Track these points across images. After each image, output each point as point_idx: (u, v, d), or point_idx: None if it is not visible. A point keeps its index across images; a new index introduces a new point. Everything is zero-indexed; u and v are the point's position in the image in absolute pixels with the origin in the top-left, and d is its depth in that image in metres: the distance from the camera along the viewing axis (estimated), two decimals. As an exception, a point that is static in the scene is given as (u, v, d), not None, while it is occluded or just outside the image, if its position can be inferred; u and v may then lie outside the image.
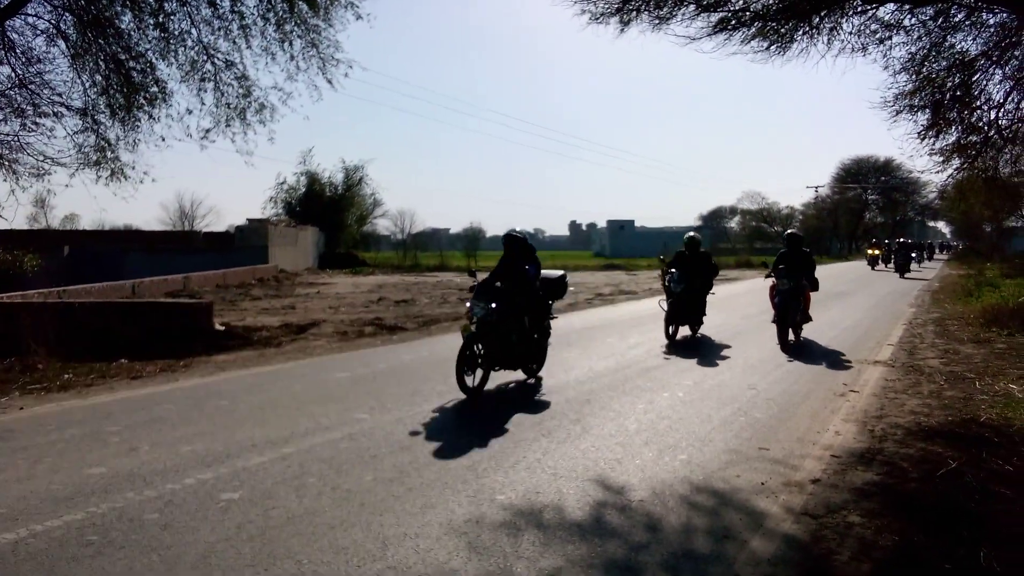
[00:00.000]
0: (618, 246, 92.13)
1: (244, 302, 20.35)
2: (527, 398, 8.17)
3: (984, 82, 10.71)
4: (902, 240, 38.34)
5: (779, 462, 5.85)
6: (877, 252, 42.05)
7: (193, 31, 11.48)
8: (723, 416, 7.32)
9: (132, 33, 11.46)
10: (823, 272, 14.43)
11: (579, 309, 19.07)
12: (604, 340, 12.72)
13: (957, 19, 10.05)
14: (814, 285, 12.57)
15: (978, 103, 10.94)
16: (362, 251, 53.90)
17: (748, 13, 9.10)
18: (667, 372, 9.69)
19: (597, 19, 9.16)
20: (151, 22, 11.28)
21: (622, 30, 9.25)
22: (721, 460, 5.87)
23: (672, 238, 75.19)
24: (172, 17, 11.33)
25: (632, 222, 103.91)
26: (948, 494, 5.01)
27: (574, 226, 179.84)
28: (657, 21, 9.11)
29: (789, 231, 13.77)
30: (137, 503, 4.78)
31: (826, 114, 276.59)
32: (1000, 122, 10.97)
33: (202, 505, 4.75)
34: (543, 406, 7.68)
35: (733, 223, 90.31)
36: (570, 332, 13.92)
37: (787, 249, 12.84)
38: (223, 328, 13.25)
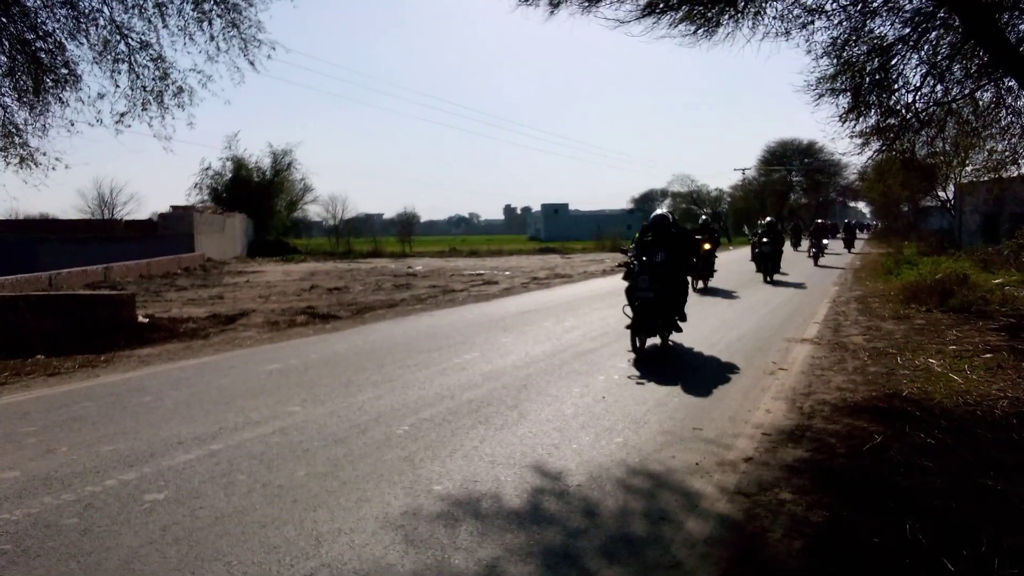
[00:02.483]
0: (553, 230, 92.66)
1: (169, 293, 19.69)
2: (463, 385, 8.10)
3: (902, 66, 11.07)
4: (706, 217, 21.64)
5: (712, 442, 5.94)
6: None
7: (105, 9, 10.91)
8: (658, 397, 7.40)
9: (39, 11, 10.85)
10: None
11: (515, 293, 19.08)
12: (540, 324, 12.73)
13: (875, 4, 10.35)
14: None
15: (896, 87, 11.29)
16: (293, 238, 52.88)
17: (676, -4, 9.17)
18: (602, 355, 9.75)
19: (527, 0, 9.08)
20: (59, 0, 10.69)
21: (552, 12, 9.22)
22: (656, 442, 5.92)
23: (606, 221, 75.94)
24: (82, -6, 10.75)
25: (566, 205, 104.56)
26: (874, 468, 5.15)
27: (509, 210, 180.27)
28: (586, 3, 9.11)
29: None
30: (54, 508, 4.54)
31: (752, 98, 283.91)
32: (916, 105, 11.35)
33: (124, 507, 4.54)
34: (480, 392, 7.63)
35: (664, 206, 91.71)
36: (506, 317, 13.93)
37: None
38: (147, 320, 12.78)
